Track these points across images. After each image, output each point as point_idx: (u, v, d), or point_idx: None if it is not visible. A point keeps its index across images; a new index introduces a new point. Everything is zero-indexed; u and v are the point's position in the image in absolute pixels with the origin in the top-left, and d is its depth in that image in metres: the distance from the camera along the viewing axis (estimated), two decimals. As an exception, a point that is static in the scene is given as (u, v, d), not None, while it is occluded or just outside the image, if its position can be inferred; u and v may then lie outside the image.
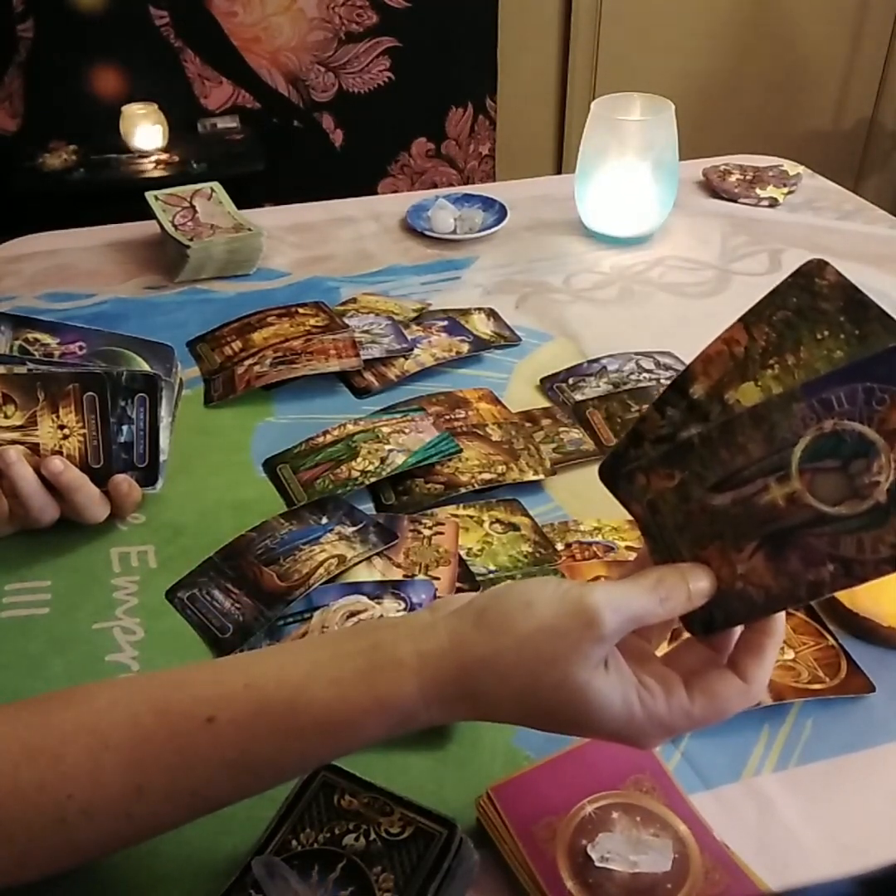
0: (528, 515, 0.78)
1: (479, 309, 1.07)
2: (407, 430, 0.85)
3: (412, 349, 0.98)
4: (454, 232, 1.23)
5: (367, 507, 0.80)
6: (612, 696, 0.44)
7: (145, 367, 0.87)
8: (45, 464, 0.72)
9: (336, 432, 0.86)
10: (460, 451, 0.83)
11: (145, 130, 2.25)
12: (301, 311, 1.04)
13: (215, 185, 1.23)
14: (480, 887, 0.53)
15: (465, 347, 1.00)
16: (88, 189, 2.20)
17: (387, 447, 0.83)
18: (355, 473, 0.81)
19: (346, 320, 1.02)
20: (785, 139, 2.83)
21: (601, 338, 1.03)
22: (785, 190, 1.34)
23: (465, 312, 1.06)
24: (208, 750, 0.45)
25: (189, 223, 1.15)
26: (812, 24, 2.75)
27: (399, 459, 0.82)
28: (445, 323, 1.03)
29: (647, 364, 0.97)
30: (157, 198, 1.19)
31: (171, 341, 0.91)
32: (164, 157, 2.27)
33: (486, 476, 0.81)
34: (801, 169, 1.42)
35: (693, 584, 0.46)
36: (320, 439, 0.86)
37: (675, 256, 1.20)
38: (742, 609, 0.46)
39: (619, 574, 0.70)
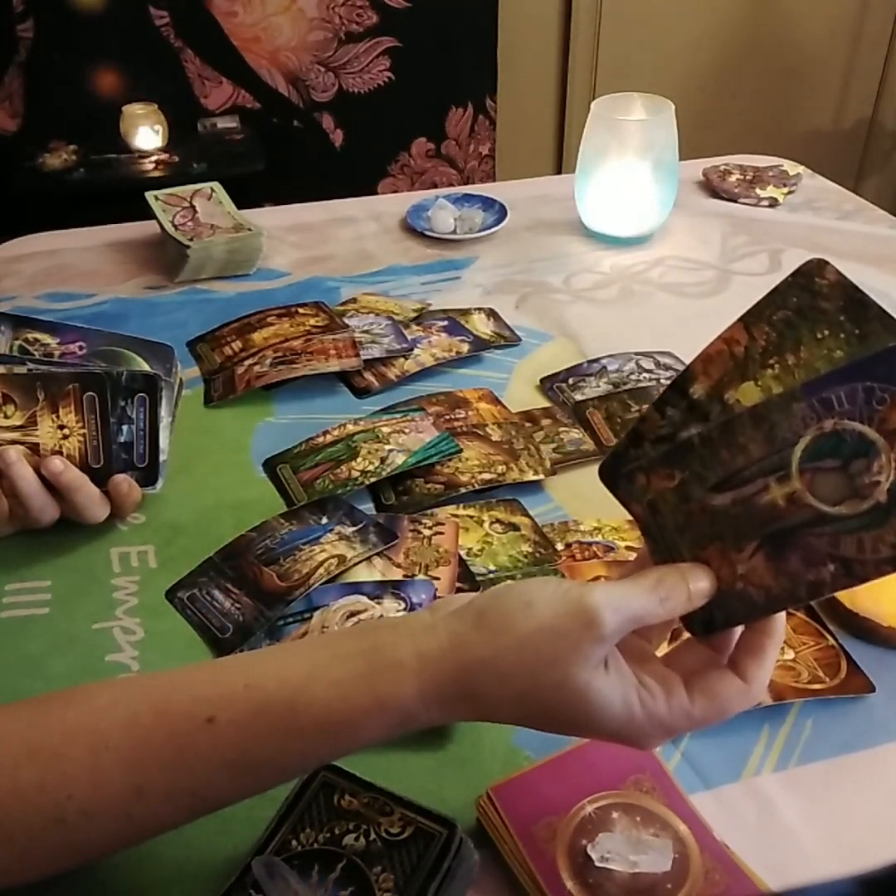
0: (528, 515, 0.78)
1: (479, 309, 1.07)
2: (407, 430, 0.85)
3: (412, 349, 0.98)
4: (454, 232, 1.23)
5: (367, 507, 0.80)
6: (612, 696, 0.44)
7: (145, 367, 0.87)
8: (45, 464, 0.72)
9: (336, 432, 0.86)
10: (460, 451, 0.83)
11: (145, 130, 2.25)
12: (301, 311, 1.04)
13: (215, 185, 1.23)
14: (480, 887, 0.53)
15: (465, 347, 1.00)
16: (88, 189, 2.20)
17: (387, 447, 0.83)
18: (355, 473, 0.81)
19: (346, 320, 1.02)
20: (785, 139, 2.83)
21: (601, 338, 1.03)
22: (785, 190, 1.34)
23: (465, 312, 1.06)
24: (208, 750, 0.45)
25: (189, 223, 1.15)
26: (812, 24, 2.75)
27: (399, 459, 0.82)
28: (445, 323, 1.03)
29: (647, 364, 0.97)
30: (157, 198, 1.19)
31: (171, 341, 0.91)
32: (164, 157, 2.27)
33: (486, 476, 0.81)
34: (801, 169, 1.42)
35: (693, 585, 0.46)
36: (320, 439, 0.86)
37: (675, 256, 1.20)
38: (742, 609, 0.46)
39: (619, 574, 0.70)
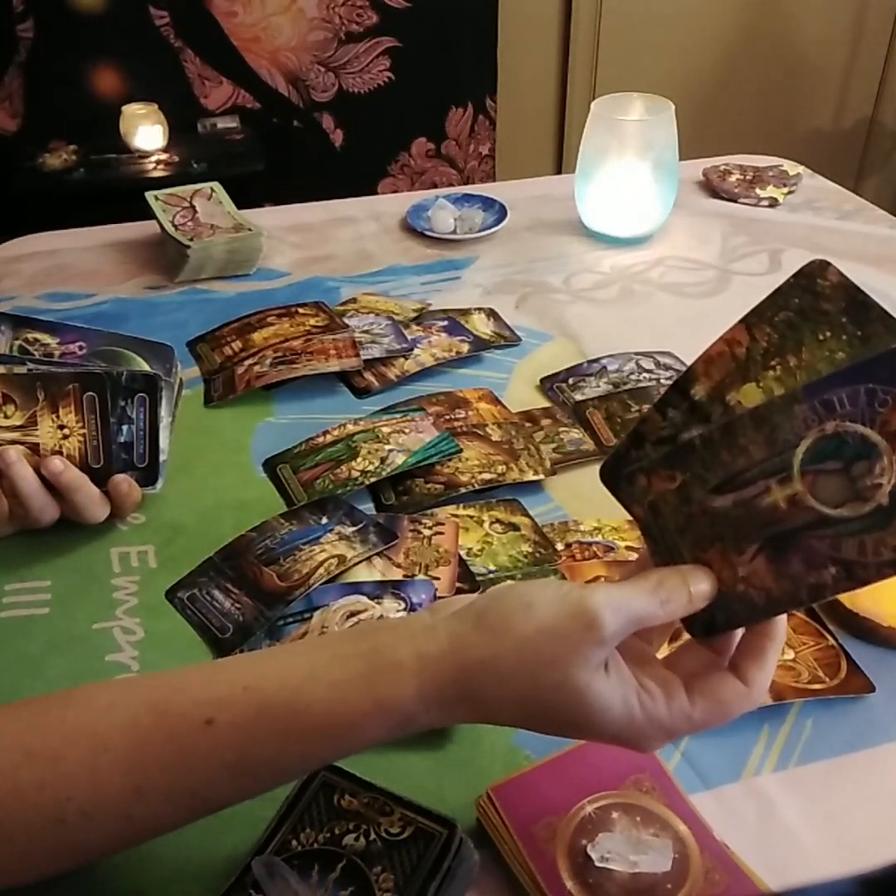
0: (528, 515, 0.78)
1: (479, 309, 1.07)
2: (407, 430, 0.85)
3: (412, 349, 0.98)
4: (454, 232, 1.23)
5: (367, 507, 0.80)
6: (613, 698, 0.44)
7: (145, 367, 0.87)
8: (45, 464, 0.72)
9: (336, 432, 0.86)
10: (460, 451, 0.83)
11: (145, 130, 2.25)
12: (301, 311, 1.04)
13: (215, 185, 1.23)
14: (480, 887, 0.53)
15: (465, 347, 1.00)
16: (88, 189, 2.20)
17: (387, 447, 0.83)
18: (355, 473, 0.81)
19: (346, 320, 1.02)
20: (785, 139, 2.83)
21: (601, 338, 1.03)
22: (785, 190, 1.34)
23: (465, 312, 1.06)
24: (208, 752, 0.45)
25: (189, 223, 1.15)
26: (812, 24, 2.75)
27: (399, 459, 0.82)
28: (445, 323, 1.03)
29: (647, 364, 0.97)
30: (157, 198, 1.19)
31: (171, 341, 0.91)
32: (164, 157, 2.27)
33: (486, 476, 0.81)
34: (801, 169, 1.42)
35: (694, 587, 0.46)
36: (320, 439, 0.86)
37: (675, 256, 1.20)
38: (743, 611, 0.46)
39: (619, 574, 0.70)
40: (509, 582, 0.71)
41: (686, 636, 0.49)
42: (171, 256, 1.15)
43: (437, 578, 0.71)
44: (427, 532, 0.75)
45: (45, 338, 0.88)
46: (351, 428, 0.86)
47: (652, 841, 0.52)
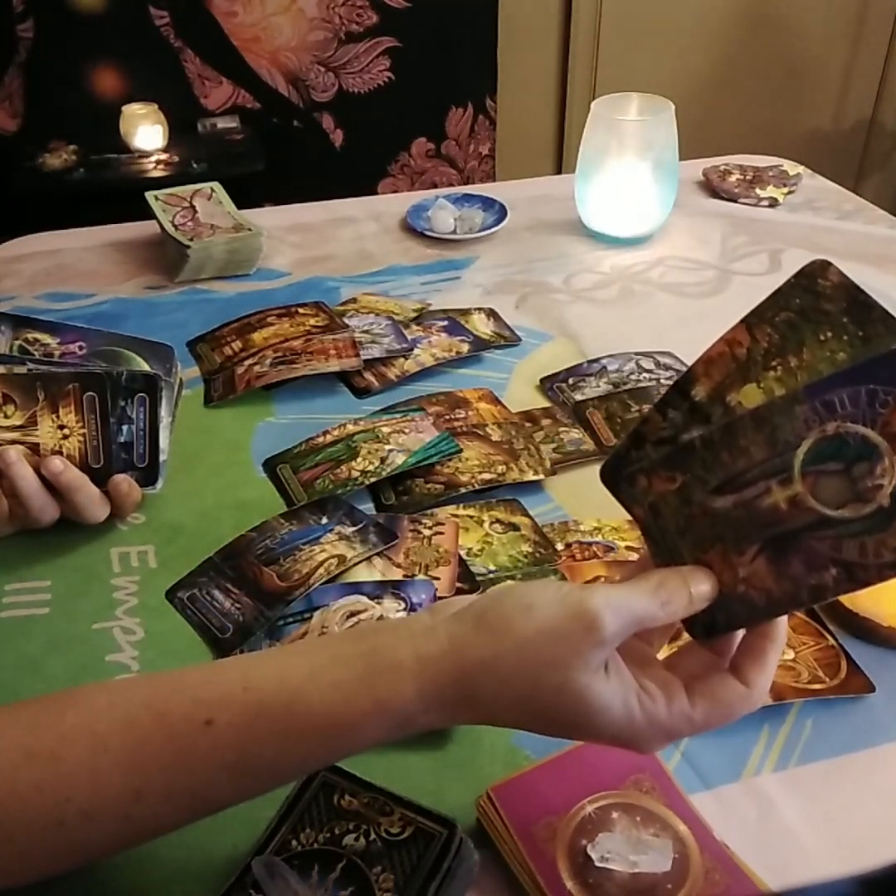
0: (528, 515, 0.78)
1: (479, 309, 1.07)
2: (407, 430, 0.85)
3: (412, 349, 0.98)
4: (454, 232, 1.23)
5: (367, 507, 0.80)
6: (613, 700, 0.44)
7: (145, 367, 0.87)
8: (45, 464, 0.72)
9: (336, 432, 0.86)
10: (460, 451, 0.83)
11: (145, 130, 2.25)
12: (301, 311, 1.04)
13: (215, 185, 1.23)
14: (480, 887, 0.53)
15: (465, 347, 1.00)
16: (88, 189, 2.20)
17: (387, 447, 0.83)
18: (355, 473, 0.81)
19: (346, 320, 1.02)
20: (785, 139, 2.83)
21: (601, 338, 1.03)
22: (785, 190, 1.34)
23: (465, 312, 1.06)
24: (207, 752, 0.45)
25: (189, 223, 1.15)
26: (812, 24, 2.75)
27: (399, 459, 0.82)
28: (445, 323, 1.03)
29: (647, 364, 0.97)
30: (157, 198, 1.19)
31: (171, 341, 0.91)
32: (164, 157, 2.27)
33: (486, 476, 0.81)
34: (801, 169, 1.42)
35: (694, 588, 0.46)
36: (320, 439, 0.86)
37: (675, 256, 1.20)
38: (744, 613, 0.46)
39: (619, 574, 0.70)
40: (509, 582, 0.71)
41: (686, 637, 0.49)
42: (171, 256, 1.15)
43: (437, 578, 0.71)
44: (427, 532, 0.75)
45: (45, 338, 0.88)
46: (351, 428, 0.86)
47: (652, 841, 0.52)
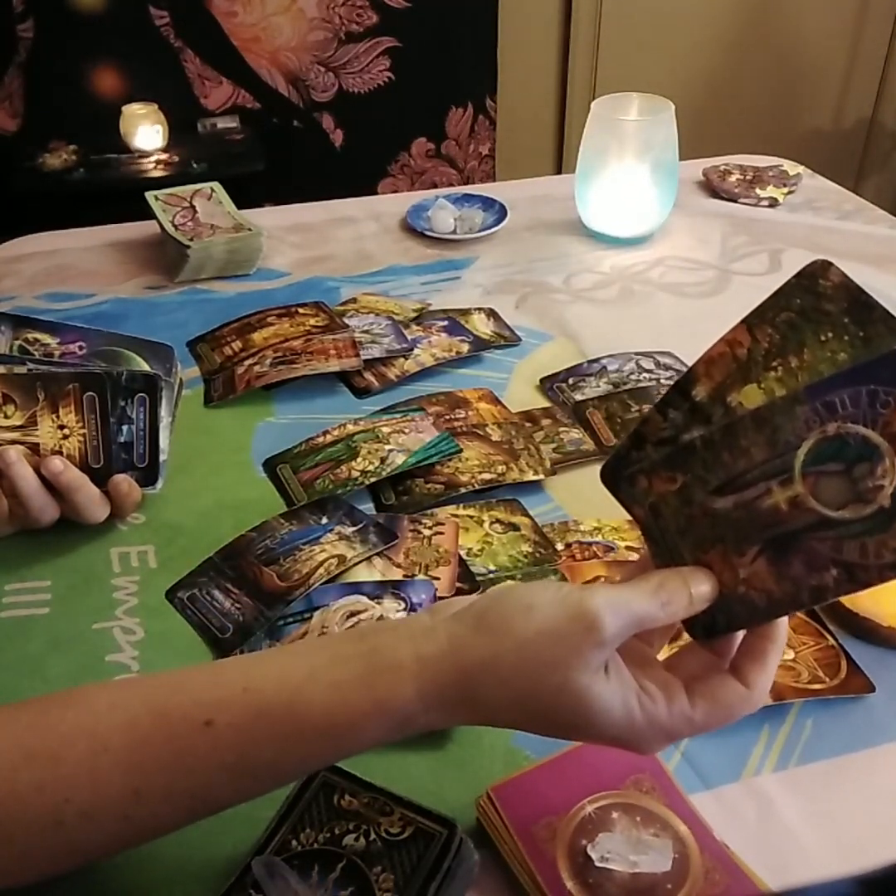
0: (528, 515, 0.78)
1: (479, 309, 1.07)
2: (407, 430, 0.85)
3: (412, 349, 0.98)
4: (454, 232, 1.23)
5: (367, 507, 0.80)
6: (613, 701, 0.44)
7: (145, 367, 0.87)
8: (45, 464, 0.72)
9: (336, 432, 0.86)
10: (460, 451, 0.83)
11: (145, 130, 2.25)
12: (301, 311, 1.04)
13: (215, 185, 1.23)
14: (480, 887, 0.53)
15: (465, 347, 1.00)
16: (88, 189, 2.20)
17: (387, 447, 0.83)
18: (355, 473, 0.81)
19: (346, 320, 1.02)
20: (785, 139, 2.83)
21: (601, 338, 1.03)
22: (785, 190, 1.34)
23: (465, 312, 1.06)
24: (207, 753, 0.45)
25: (189, 223, 1.15)
26: (812, 24, 2.75)
27: (399, 459, 0.82)
28: (445, 323, 1.03)
29: (647, 364, 0.97)
30: (157, 198, 1.19)
31: (171, 341, 0.91)
32: (164, 157, 2.27)
33: (486, 476, 0.81)
34: (801, 169, 1.42)
35: (695, 589, 0.45)
36: (320, 439, 0.86)
37: (675, 256, 1.20)
38: (744, 614, 0.46)
39: (619, 574, 0.70)
40: (509, 582, 0.71)
41: (687, 637, 0.49)
42: (171, 256, 1.15)
43: (437, 578, 0.71)
44: (427, 532, 0.75)
45: (45, 338, 0.88)
46: (351, 428, 0.86)
47: (652, 841, 0.52)
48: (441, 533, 0.75)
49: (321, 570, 0.71)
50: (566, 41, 2.61)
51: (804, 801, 0.58)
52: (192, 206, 1.18)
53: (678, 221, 1.26)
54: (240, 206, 1.20)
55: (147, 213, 1.18)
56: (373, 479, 0.80)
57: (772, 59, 2.79)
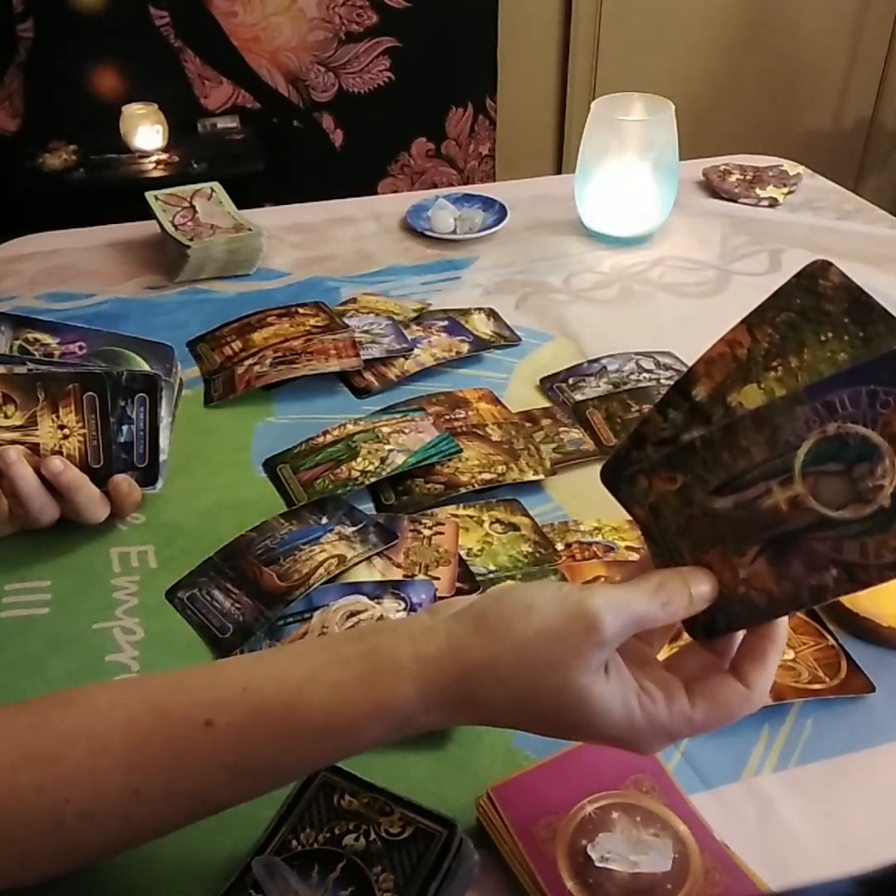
0: (528, 515, 0.78)
1: (479, 309, 1.07)
2: (407, 430, 0.85)
3: (412, 349, 0.98)
4: (454, 232, 1.23)
5: (367, 507, 0.80)
6: (613, 701, 0.44)
7: (145, 367, 0.87)
8: (45, 464, 0.72)
9: (336, 432, 0.86)
10: (460, 451, 0.83)
11: (145, 130, 2.25)
12: (301, 311, 1.04)
13: (215, 185, 1.23)
14: (480, 887, 0.53)
15: (465, 347, 1.00)
16: (88, 189, 2.20)
17: (387, 447, 0.83)
18: (355, 473, 0.81)
19: (346, 320, 1.02)
20: (785, 139, 2.83)
21: (601, 338, 1.03)
22: (785, 190, 1.34)
23: (465, 312, 1.06)
24: (207, 753, 0.45)
25: (189, 223, 1.15)
26: (812, 24, 2.75)
27: (399, 459, 0.82)
28: (445, 323, 1.03)
29: (647, 364, 0.97)
30: (157, 198, 1.19)
31: (171, 341, 0.91)
32: (164, 157, 2.27)
33: (486, 476, 0.81)
34: (801, 169, 1.42)
35: (695, 589, 0.45)
36: (320, 439, 0.86)
37: (675, 256, 1.20)
38: (744, 614, 0.46)
39: (619, 574, 0.70)
40: (509, 582, 0.71)
41: (687, 638, 0.49)
42: (171, 256, 1.15)
43: (437, 578, 0.71)
44: (427, 532, 0.75)
45: (45, 338, 0.88)
46: (351, 428, 0.86)
47: (652, 841, 0.52)
48: (441, 533, 0.75)
49: (321, 570, 0.71)
50: (566, 41, 2.61)
51: (804, 801, 0.58)
52: (192, 206, 1.18)
53: (678, 221, 1.26)
54: (240, 206, 1.20)
55: (147, 213, 1.18)
56: (373, 479, 0.80)
57: (772, 59, 2.79)
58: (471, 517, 0.78)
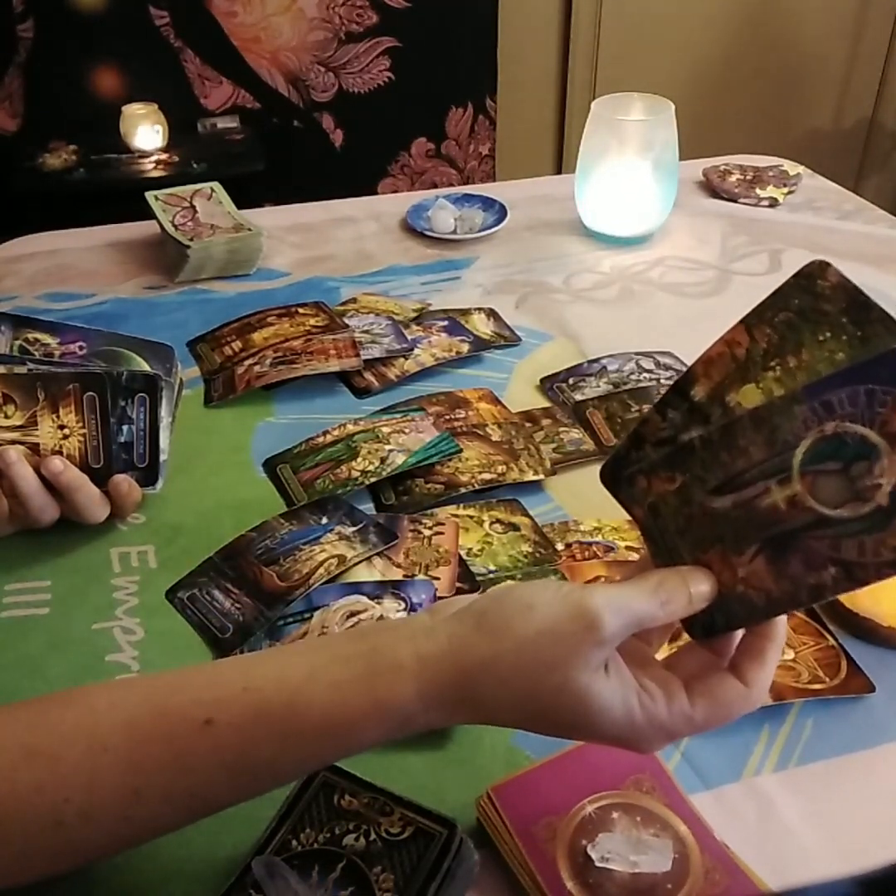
0: (528, 515, 0.78)
1: (479, 309, 1.07)
2: (407, 430, 0.85)
3: (412, 349, 0.98)
4: (454, 232, 1.23)
5: (367, 507, 0.80)
6: (613, 699, 0.44)
7: (145, 367, 0.87)
8: (45, 464, 0.72)
9: (336, 432, 0.86)
10: (460, 451, 0.83)
11: (145, 130, 2.25)
12: (301, 311, 1.04)
13: (215, 185, 1.23)
14: (480, 887, 0.53)
15: (465, 347, 1.00)
16: (88, 189, 2.20)
17: (387, 447, 0.83)
18: (355, 473, 0.81)
19: (346, 320, 1.02)
20: (785, 139, 2.83)
21: (601, 338, 1.03)
22: (785, 190, 1.34)
23: (465, 312, 1.06)
24: (206, 753, 0.45)
25: (189, 223, 1.15)
26: (812, 23, 2.75)
27: (399, 459, 0.82)
28: (445, 323, 1.03)
29: (647, 364, 0.97)
30: (157, 198, 1.19)
31: (171, 341, 0.91)
32: (164, 157, 2.27)
33: (486, 476, 0.81)
34: (801, 169, 1.42)
35: (694, 588, 0.46)
36: (320, 439, 0.86)
37: (675, 256, 1.20)
38: (743, 613, 0.46)
39: (619, 574, 0.70)
40: (509, 582, 0.71)
41: (686, 637, 0.49)
42: (171, 256, 1.15)
43: (437, 578, 0.71)
44: (427, 532, 0.75)
45: (46, 338, 0.88)
46: (351, 428, 0.86)
47: (652, 841, 0.52)
48: (441, 533, 0.75)
49: (321, 570, 0.71)
50: (566, 41, 2.61)
51: (804, 801, 0.58)
52: (192, 206, 1.18)
53: (678, 221, 1.26)
54: (240, 206, 1.20)
55: (147, 213, 1.18)
56: (373, 479, 0.80)
57: (772, 59, 2.79)
58: (471, 517, 0.78)
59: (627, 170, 1.16)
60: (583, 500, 0.80)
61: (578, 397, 0.92)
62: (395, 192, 2.56)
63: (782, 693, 0.61)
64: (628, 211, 1.19)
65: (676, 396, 0.48)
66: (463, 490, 0.80)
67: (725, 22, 2.69)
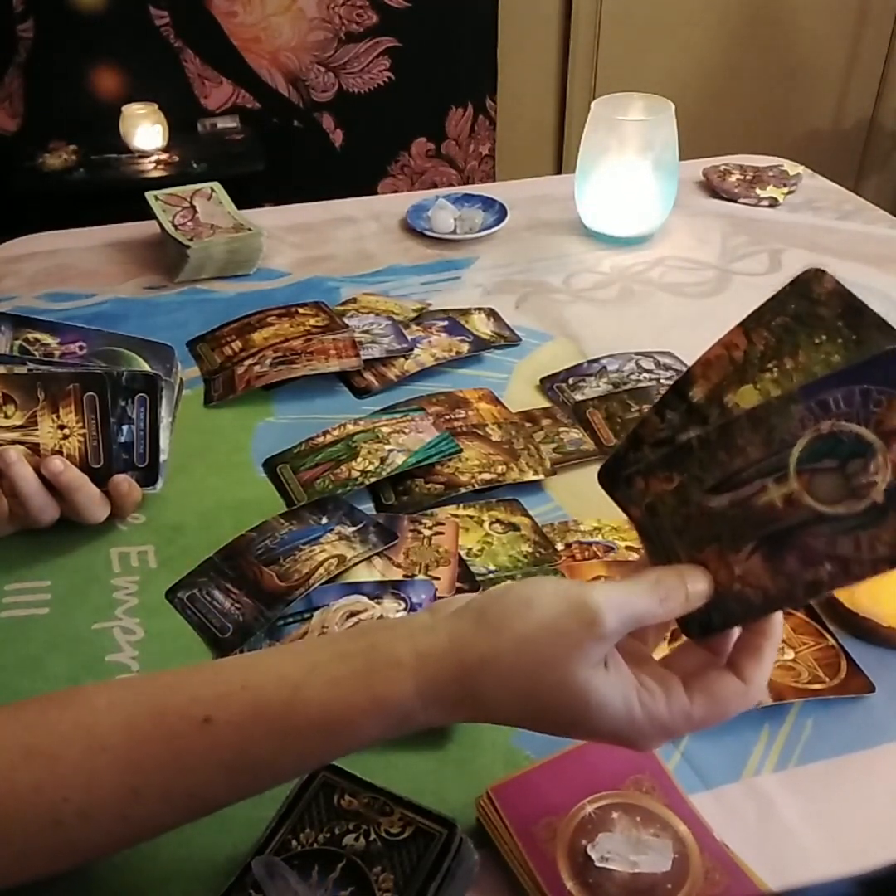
0: (528, 515, 0.78)
1: (479, 309, 1.07)
2: (407, 430, 0.85)
3: (412, 349, 0.98)
4: (454, 232, 1.23)
5: (367, 507, 0.80)
6: (613, 695, 0.44)
7: (145, 367, 0.87)
8: (45, 464, 0.72)
9: (336, 432, 0.86)
10: (460, 451, 0.83)
11: (145, 130, 2.25)
12: (301, 311, 1.04)
13: (215, 185, 1.23)
14: (480, 887, 0.53)
15: (465, 347, 1.00)
16: (88, 189, 2.20)
17: (387, 447, 0.83)
18: (355, 473, 0.81)
19: (346, 320, 1.02)
20: (785, 139, 2.83)
21: (601, 338, 1.03)
22: (785, 190, 1.34)
23: (465, 312, 1.06)
24: (205, 751, 0.45)
25: (189, 223, 1.15)
26: (812, 23, 2.75)
27: (399, 459, 0.82)
28: (445, 323, 1.03)
29: (647, 364, 0.97)
30: (157, 198, 1.19)
31: (171, 341, 0.91)
32: (164, 157, 2.27)
33: (486, 476, 0.81)
34: (801, 169, 1.42)
35: (691, 586, 0.46)
36: (320, 439, 0.86)
37: (675, 256, 1.20)
38: (740, 610, 0.46)
39: (619, 574, 0.70)
40: (509, 582, 0.71)
41: (684, 638, 0.49)
42: (171, 256, 1.15)
43: (437, 578, 0.71)
44: (427, 532, 0.75)
45: (46, 338, 0.88)
46: (351, 428, 0.86)
47: (652, 841, 0.52)
48: (441, 533, 0.75)
49: (321, 570, 0.71)
50: (566, 41, 2.61)
51: (804, 801, 0.58)
52: (192, 206, 1.18)
53: (678, 221, 1.26)
54: (240, 206, 1.20)
55: (147, 213, 1.18)
56: (373, 479, 0.80)
57: (772, 59, 2.79)
58: (471, 517, 0.78)
59: (627, 170, 1.16)
60: (583, 500, 0.80)
61: (578, 397, 0.92)
62: (395, 192, 2.56)
63: (782, 693, 0.61)
64: (628, 211, 1.19)
65: (675, 398, 0.48)
66: (463, 490, 0.80)
67: (725, 22, 2.69)
